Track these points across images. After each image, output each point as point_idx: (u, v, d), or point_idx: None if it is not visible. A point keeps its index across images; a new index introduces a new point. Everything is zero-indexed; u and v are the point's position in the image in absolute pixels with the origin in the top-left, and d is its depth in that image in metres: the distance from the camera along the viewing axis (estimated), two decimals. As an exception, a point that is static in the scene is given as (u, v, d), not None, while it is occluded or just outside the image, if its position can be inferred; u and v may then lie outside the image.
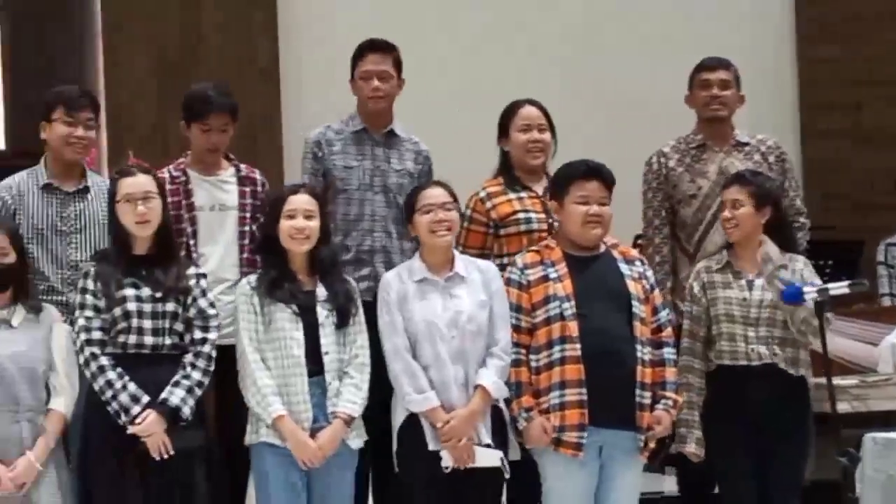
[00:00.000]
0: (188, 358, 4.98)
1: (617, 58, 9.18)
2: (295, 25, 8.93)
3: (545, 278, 5.20)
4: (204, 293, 5.07)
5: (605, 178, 5.27)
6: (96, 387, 4.90)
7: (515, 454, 5.22)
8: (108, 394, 4.88)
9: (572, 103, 8.16)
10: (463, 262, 5.28)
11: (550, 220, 5.61)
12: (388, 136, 5.94)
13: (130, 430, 4.85)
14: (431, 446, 5.08)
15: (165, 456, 4.87)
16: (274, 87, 8.85)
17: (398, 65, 5.93)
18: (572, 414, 5.07)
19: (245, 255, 5.61)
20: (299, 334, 5.04)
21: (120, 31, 8.89)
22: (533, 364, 5.18)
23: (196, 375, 4.96)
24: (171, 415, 4.89)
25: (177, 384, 4.92)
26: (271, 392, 4.98)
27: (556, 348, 5.12)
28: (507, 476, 5.11)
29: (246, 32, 8.97)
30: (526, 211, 5.69)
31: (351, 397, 5.04)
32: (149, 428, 4.85)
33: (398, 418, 5.17)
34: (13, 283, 4.96)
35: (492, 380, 5.12)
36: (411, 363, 5.11)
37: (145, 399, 4.87)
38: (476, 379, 5.12)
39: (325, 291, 5.11)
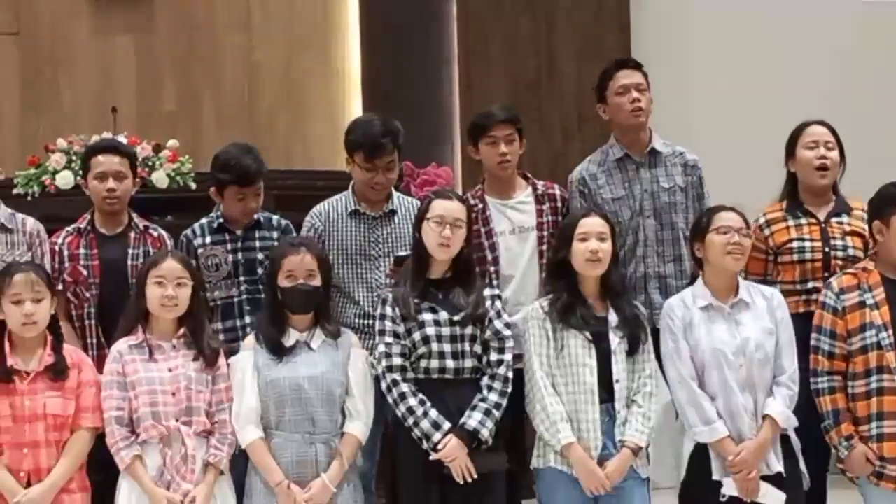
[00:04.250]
0: (485, 380, 4.99)
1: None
2: (648, 51, 8.84)
3: (861, 304, 5.03)
4: (499, 314, 5.06)
5: None
6: (398, 413, 4.96)
7: (806, 484, 5.09)
8: (410, 420, 4.93)
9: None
10: (747, 289, 5.17)
11: (826, 249, 5.47)
12: (651, 156, 5.82)
13: (433, 456, 4.88)
14: (716, 476, 5.00)
15: (469, 479, 4.89)
16: (627, 109, 8.78)
17: (647, 79, 5.83)
18: (891, 447, 4.93)
19: (544, 275, 5.55)
20: (592, 361, 4.98)
21: (475, 55, 9.05)
22: (849, 391, 5.02)
23: (493, 397, 4.96)
24: (470, 438, 4.90)
25: (475, 407, 4.94)
26: (561, 418, 4.94)
27: (874, 378, 4.97)
28: None
29: (599, 57, 8.93)
30: (801, 240, 5.54)
31: (639, 426, 4.97)
32: (450, 454, 4.88)
33: (686, 448, 5.08)
34: (316, 307, 5.04)
35: (780, 409, 5.01)
36: (697, 392, 5.03)
37: (446, 426, 4.90)
38: (764, 409, 5.01)
39: (616, 317, 5.05)
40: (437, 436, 4.89)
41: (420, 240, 5.08)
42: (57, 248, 5.50)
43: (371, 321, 5.28)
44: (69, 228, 5.59)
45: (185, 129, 9.02)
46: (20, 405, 4.81)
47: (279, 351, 4.97)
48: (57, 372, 4.86)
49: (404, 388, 4.94)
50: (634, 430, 4.94)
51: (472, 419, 4.91)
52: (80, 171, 7.26)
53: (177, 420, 4.86)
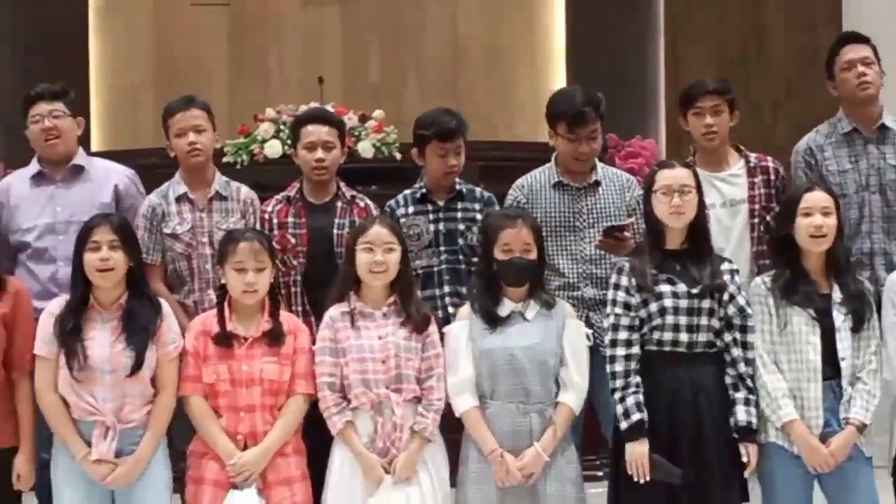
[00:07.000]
0: (741, 367, 4.89)
1: None
2: (860, 16, 8.61)
3: None
4: (739, 290, 4.96)
5: None
6: (611, 385, 4.91)
7: None
8: (617, 396, 4.88)
9: None
10: None
11: None
12: (880, 131, 5.71)
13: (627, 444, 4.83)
14: None
15: (641, 481, 4.79)
16: (837, 82, 8.58)
17: (876, 53, 5.73)
18: None
19: (756, 248, 5.52)
20: (816, 339, 4.89)
21: (681, 26, 8.95)
22: None
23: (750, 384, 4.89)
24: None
25: (735, 402, 4.87)
26: (782, 395, 4.87)
27: None
28: None
29: (808, 27, 8.76)
30: None
31: (864, 404, 4.86)
32: (628, 448, 4.82)
33: None
34: (531, 279, 5.02)
35: None
36: None
37: (634, 417, 4.81)
38: None
39: (840, 293, 4.94)
40: (623, 424, 4.85)
41: (650, 212, 5.01)
42: (266, 216, 5.57)
43: (576, 293, 5.33)
44: (278, 197, 5.66)
45: (389, 100, 9.08)
46: (237, 370, 4.88)
47: (494, 321, 4.96)
48: (273, 338, 4.93)
49: (617, 367, 4.88)
50: (859, 407, 4.84)
51: (744, 414, 4.85)
52: (289, 141, 7.42)
53: (387, 387, 4.89)
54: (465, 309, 5.08)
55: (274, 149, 7.54)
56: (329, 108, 7.63)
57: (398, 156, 7.53)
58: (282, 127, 7.62)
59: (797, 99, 8.64)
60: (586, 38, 9.53)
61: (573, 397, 4.95)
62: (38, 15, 9.37)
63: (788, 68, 8.68)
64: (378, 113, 7.78)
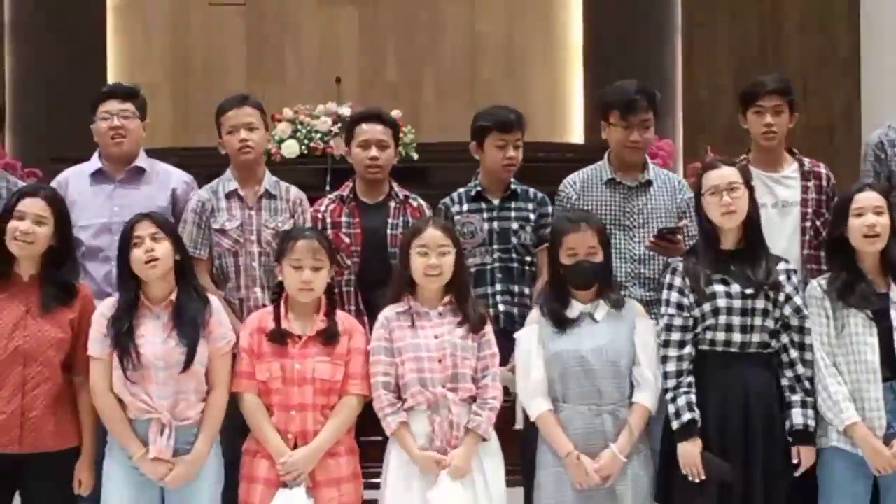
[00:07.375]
0: (799, 369, 4.88)
1: None
2: (877, 15, 8.61)
3: None
4: (797, 290, 4.95)
5: None
6: (663, 385, 4.90)
7: None
8: (669, 396, 4.87)
9: None
10: None
11: None
12: None
13: (679, 444, 4.82)
14: None
15: (696, 481, 4.80)
16: (854, 79, 8.59)
17: None
18: None
19: (807, 252, 5.50)
20: (874, 339, 4.85)
21: (700, 27, 8.94)
22: None
23: (808, 386, 4.88)
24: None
25: (790, 405, 4.85)
26: (843, 398, 4.83)
27: None
28: None
29: (826, 24, 8.76)
30: None
31: None
32: (680, 449, 4.81)
33: None
34: (597, 281, 5.00)
35: None
36: None
37: (685, 417, 4.81)
38: None
39: None
40: (674, 424, 4.84)
41: (704, 216, 4.99)
42: (320, 215, 5.57)
43: (625, 292, 5.28)
44: (331, 196, 5.67)
45: (406, 99, 9.11)
46: (290, 368, 4.87)
47: (562, 323, 4.96)
48: (328, 337, 4.92)
49: (670, 367, 4.87)
50: None
51: (801, 417, 4.84)
52: (306, 141, 7.42)
53: (443, 386, 4.89)
54: (535, 313, 5.08)
55: (291, 149, 7.54)
56: (346, 107, 7.67)
57: (415, 155, 7.52)
58: (299, 127, 7.62)
59: (813, 99, 8.63)
60: (603, 39, 9.54)
61: (648, 396, 4.92)
62: (56, 14, 9.39)
63: (804, 69, 8.66)
64: (395, 113, 7.76)
